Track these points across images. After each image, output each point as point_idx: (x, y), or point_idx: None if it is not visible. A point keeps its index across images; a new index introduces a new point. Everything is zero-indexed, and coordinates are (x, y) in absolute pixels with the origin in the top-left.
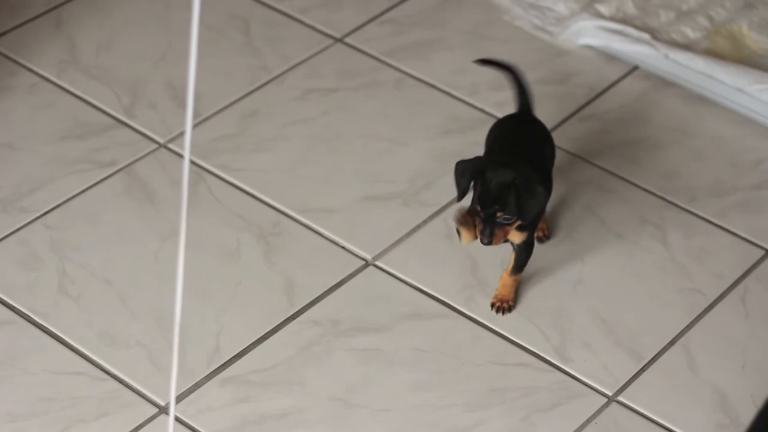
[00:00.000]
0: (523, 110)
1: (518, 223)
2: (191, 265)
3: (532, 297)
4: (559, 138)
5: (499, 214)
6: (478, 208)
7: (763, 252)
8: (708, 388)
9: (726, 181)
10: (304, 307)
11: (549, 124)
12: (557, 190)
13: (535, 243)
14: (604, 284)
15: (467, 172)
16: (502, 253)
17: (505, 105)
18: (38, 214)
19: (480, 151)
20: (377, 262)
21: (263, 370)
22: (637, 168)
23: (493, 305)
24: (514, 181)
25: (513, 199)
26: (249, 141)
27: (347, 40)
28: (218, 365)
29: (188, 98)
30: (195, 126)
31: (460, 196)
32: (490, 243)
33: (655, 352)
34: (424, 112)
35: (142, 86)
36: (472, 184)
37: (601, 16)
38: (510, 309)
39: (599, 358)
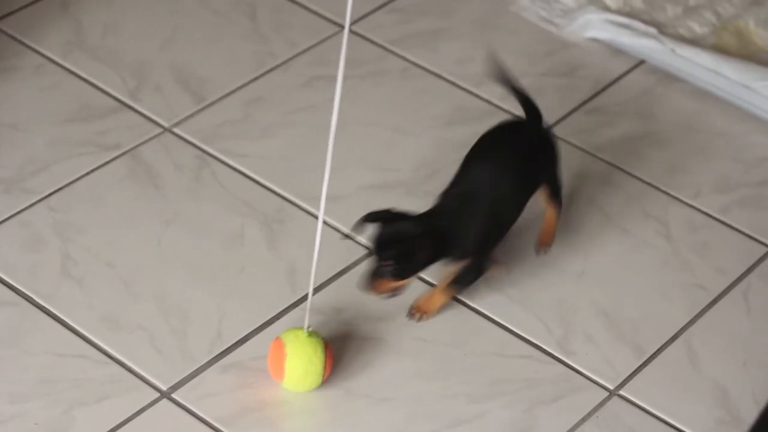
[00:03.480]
0: (532, 120)
1: (403, 282)
2: (194, 250)
3: (534, 289)
4: (563, 131)
5: (385, 264)
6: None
7: (766, 249)
8: (709, 384)
9: (730, 177)
10: (306, 294)
11: (553, 116)
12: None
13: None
14: (607, 278)
15: (367, 218)
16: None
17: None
18: (42, 196)
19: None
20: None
21: (265, 357)
22: (641, 162)
23: (410, 310)
24: (398, 236)
25: (397, 252)
26: (254, 127)
27: (354, 28)
28: (220, 351)
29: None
30: (199, 111)
31: (350, 234)
32: (371, 291)
33: (657, 347)
34: (430, 101)
35: (147, 69)
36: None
37: (608, 9)
38: (421, 318)
39: (601, 352)
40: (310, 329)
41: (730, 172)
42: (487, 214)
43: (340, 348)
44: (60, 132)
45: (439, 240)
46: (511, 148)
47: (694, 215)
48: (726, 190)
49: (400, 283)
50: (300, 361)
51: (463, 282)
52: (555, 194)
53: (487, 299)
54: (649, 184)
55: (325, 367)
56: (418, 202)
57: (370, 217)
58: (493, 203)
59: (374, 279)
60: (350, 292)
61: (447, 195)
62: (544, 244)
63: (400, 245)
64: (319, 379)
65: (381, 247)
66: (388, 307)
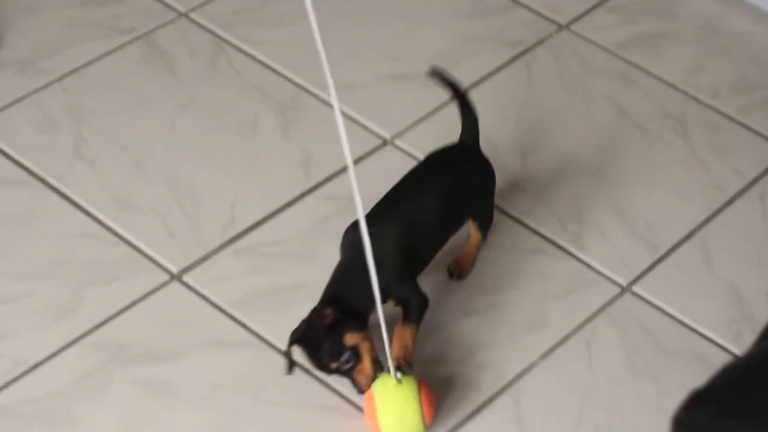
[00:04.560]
0: (467, 140)
1: (364, 366)
2: (208, 135)
3: (550, 184)
4: (583, 28)
5: (333, 365)
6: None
7: None
8: (723, 284)
9: (750, 79)
10: (320, 182)
11: (573, 13)
12: (580, 83)
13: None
14: (623, 175)
15: (288, 346)
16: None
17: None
18: (55, 77)
19: (499, 46)
20: (395, 141)
21: (277, 243)
22: (661, 61)
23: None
24: (312, 332)
25: (324, 346)
26: (271, 14)
27: None
28: (232, 235)
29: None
30: None
31: (289, 372)
32: (362, 391)
33: (671, 245)
34: None
35: None
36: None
37: None
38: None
39: (615, 248)
40: (399, 376)
41: (750, 73)
42: (393, 248)
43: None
44: (75, 14)
45: (344, 299)
46: (441, 182)
47: (712, 115)
48: (745, 92)
49: (366, 360)
50: (391, 412)
51: (418, 314)
52: (483, 228)
53: (502, 193)
54: (667, 83)
55: (423, 413)
56: (433, 93)
57: (293, 341)
58: (405, 238)
59: (352, 380)
60: (365, 181)
61: (348, 246)
62: (460, 266)
63: (319, 348)
64: (420, 426)
65: (316, 364)
66: None
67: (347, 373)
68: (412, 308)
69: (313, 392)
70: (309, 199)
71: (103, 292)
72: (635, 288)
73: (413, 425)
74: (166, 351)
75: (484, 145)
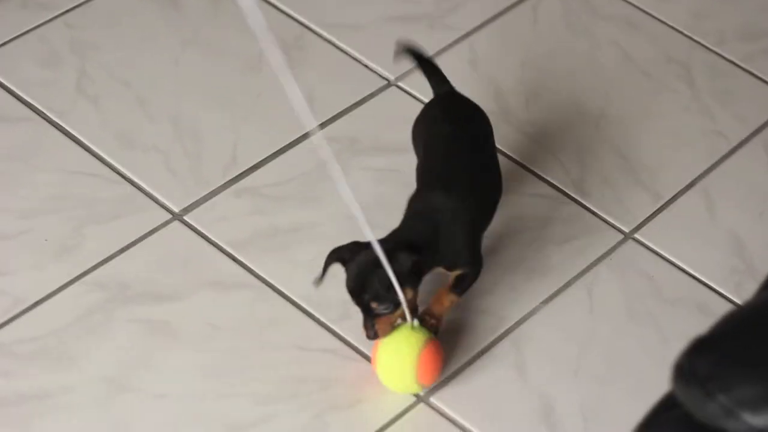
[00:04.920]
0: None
1: (400, 312)
2: (211, 73)
3: (554, 129)
4: None
5: (373, 304)
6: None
7: None
8: (725, 233)
9: (756, 25)
10: (323, 123)
11: None
12: (585, 27)
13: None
14: (626, 121)
15: (329, 260)
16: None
17: None
18: (59, 12)
19: None
20: (399, 83)
21: (279, 184)
22: (666, 5)
23: (422, 319)
24: (370, 261)
25: (377, 283)
26: None
27: None
28: (234, 175)
29: None
30: None
31: (317, 282)
32: (376, 336)
33: (674, 193)
34: None
35: None
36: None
37: None
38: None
39: (618, 195)
40: (416, 323)
41: (756, 20)
42: (468, 221)
43: (354, 178)
44: None
45: (417, 251)
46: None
47: (718, 61)
48: (751, 38)
49: (398, 312)
50: (387, 353)
51: (463, 290)
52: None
53: (505, 137)
54: (672, 27)
55: (417, 368)
56: (437, 35)
57: (333, 258)
58: (474, 209)
59: (373, 324)
60: (366, 122)
61: (416, 202)
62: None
63: (372, 281)
64: (412, 380)
65: (356, 293)
66: (403, 140)
67: (372, 315)
68: (466, 283)
69: (314, 335)
70: (312, 140)
71: (104, 230)
72: (637, 235)
73: (405, 376)
74: (166, 291)
75: (489, 88)
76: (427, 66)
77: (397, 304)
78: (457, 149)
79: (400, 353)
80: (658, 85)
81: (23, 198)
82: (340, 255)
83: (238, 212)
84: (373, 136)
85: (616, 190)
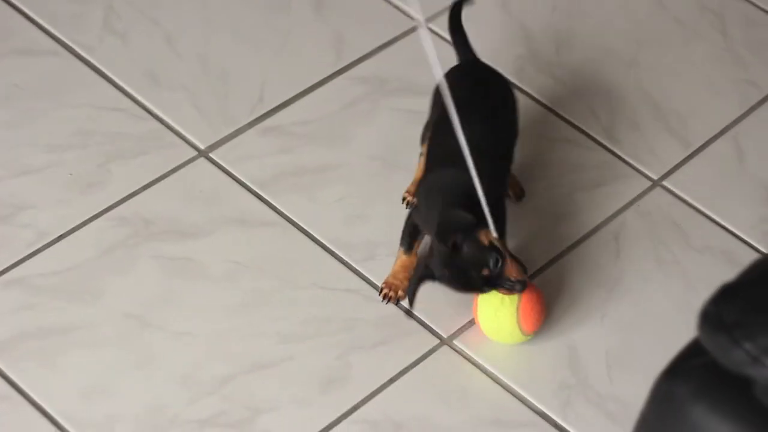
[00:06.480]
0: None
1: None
2: (240, 12)
3: (584, 75)
4: None
5: (485, 271)
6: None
7: None
8: (755, 182)
9: None
10: (351, 62)
11: None
12: None
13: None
14: (658, 68)
15: (414, 284)
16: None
17: None
18: None
19: None
20: (430, 25)
21: (306, 123)
22: None
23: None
24: (461, 262)
25: (492, 265)
26: None
27: None
28: (260, 114)
29: None
30: None
31: (411, 305)
32: (526, 283)
33: (704, 141)
34: None
35: None
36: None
37: None
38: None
39: (647, 142)
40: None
41: None
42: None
43: (380, 119)
44: None
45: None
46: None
47: (751, 11)
48: None
49: (508, 255)
50: (486, 310)
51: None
52: None
53: (535, 81)
54: None
55: (519, 318)
56: None
57: (419, 282)
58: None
59: (509, 279)
60: (395, 64)
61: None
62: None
63: (465, 263)
64: (515, 330)
65: (475, 287)
66: (427, 81)
67: (500, 278)
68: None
69: (336, 274)
70: (339, 80)
71: (130, 166)
72: (666, 183)
73: (507, 328)
74: (190, 228)
75: (519, 32)
76: (458, 33)
77: (499, 252)
78: (476, 118)
79: (503, 303)
80: (691, 33)
81: (49, 133)
82: (425, 275)
83: (264, 151)
84: (402, 78)
85: (645, 137)
